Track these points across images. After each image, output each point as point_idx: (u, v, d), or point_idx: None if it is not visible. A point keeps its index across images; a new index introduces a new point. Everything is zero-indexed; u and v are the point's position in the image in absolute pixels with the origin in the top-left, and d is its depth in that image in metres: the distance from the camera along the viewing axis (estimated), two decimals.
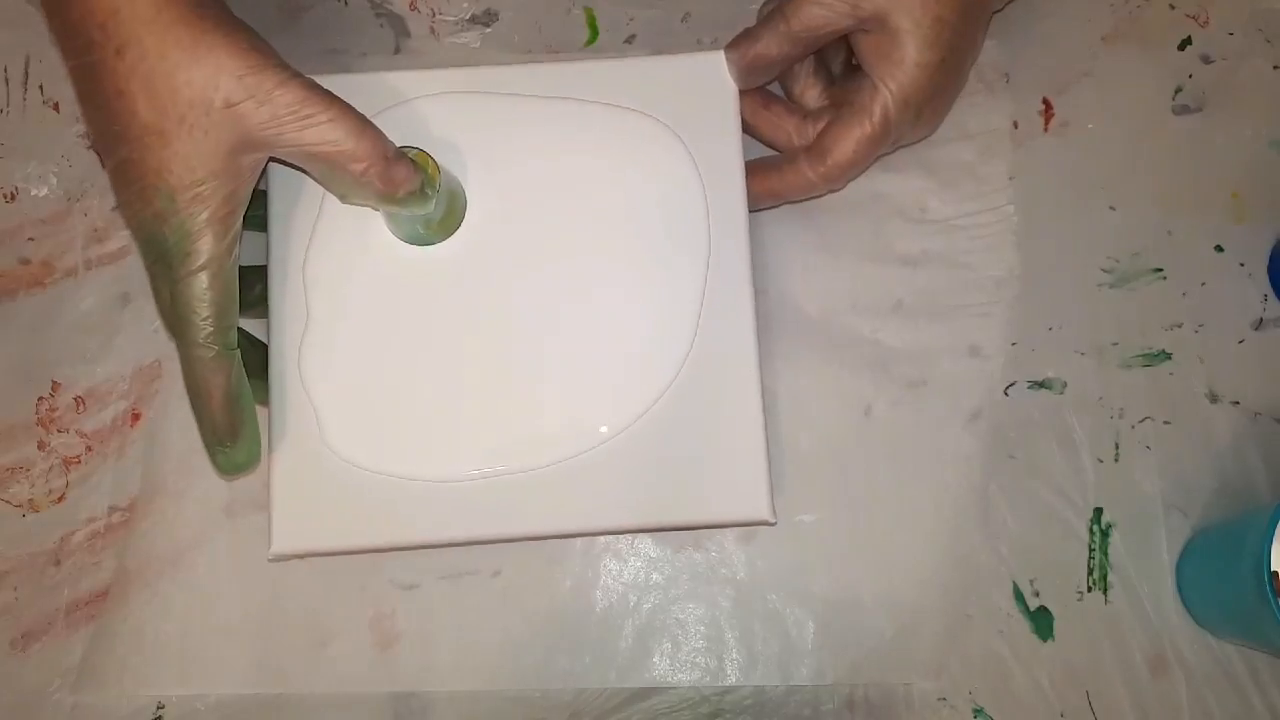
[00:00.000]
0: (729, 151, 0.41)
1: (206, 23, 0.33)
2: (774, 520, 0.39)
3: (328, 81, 0.37)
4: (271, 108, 0.33)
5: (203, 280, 0.34)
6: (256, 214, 0.41)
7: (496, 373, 0.40)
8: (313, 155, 0.35)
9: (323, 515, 0.39)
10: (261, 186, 0.41)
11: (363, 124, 0.35)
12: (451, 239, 0.41)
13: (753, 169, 0.42)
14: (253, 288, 0.41)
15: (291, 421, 0.40)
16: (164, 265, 0.35)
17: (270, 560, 0.39)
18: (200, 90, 0.33)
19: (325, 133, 0.34)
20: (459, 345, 0.40)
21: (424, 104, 0.41)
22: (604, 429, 0.39)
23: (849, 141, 0.40)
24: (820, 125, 0.41)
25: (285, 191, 0.41)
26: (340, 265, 0.41)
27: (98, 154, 0.45)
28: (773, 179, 0.42)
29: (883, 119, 0.39)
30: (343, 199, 0.39)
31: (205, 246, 0.34)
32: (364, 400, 0.40)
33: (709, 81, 0.41)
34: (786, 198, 0.42)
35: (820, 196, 0.43)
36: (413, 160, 0.37)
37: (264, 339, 0.41)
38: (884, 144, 0.40)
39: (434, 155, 0.38)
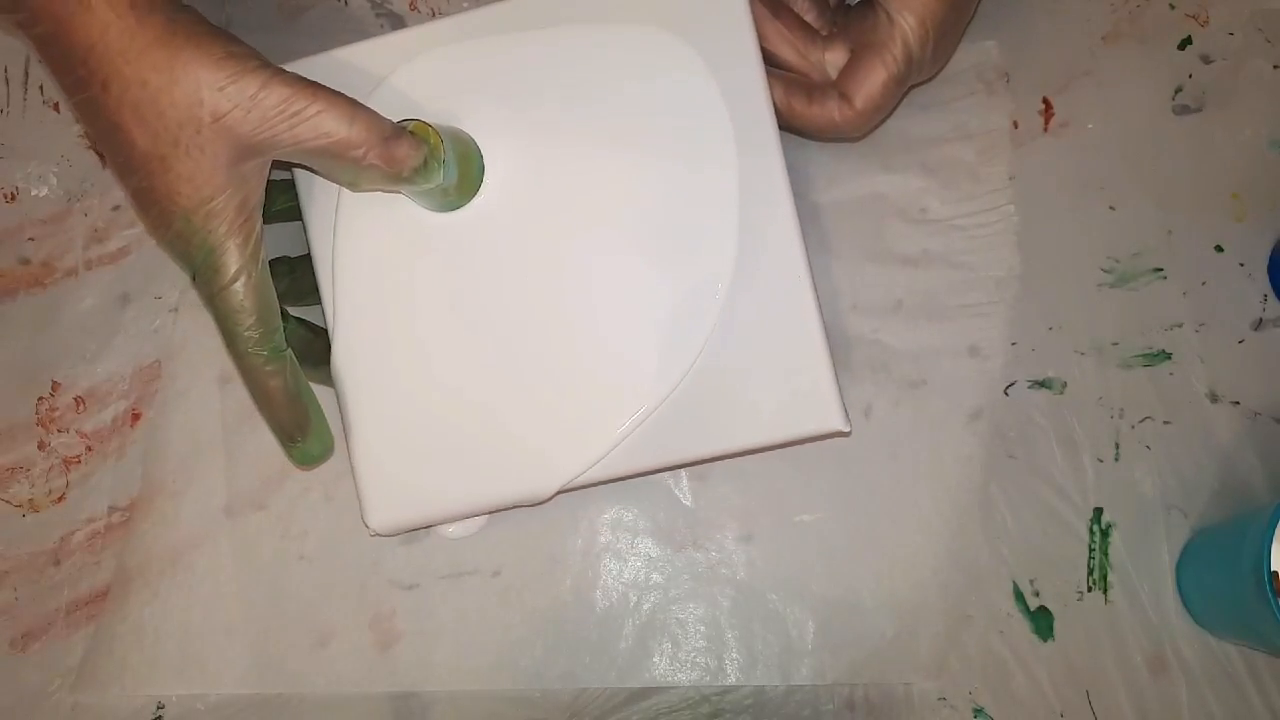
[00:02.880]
0: (746, 54, 0.39)
1: (178, 39, 0.33)
2: (848, 429, 0.39)
3: (313, 62, 0.36)
4: (259, 112, 0.33)
5: (237, 292, 0.35)
6: (290, 205, 0.41)
7: (550, 347, 0.39)
8: (310, 150, 0.34)
9: (408, 490, 0.40)
10: (288, 176, 0.41)
11: (355, 109, 0.35)
12: (477, 202, 0.40)
13: (775, 81, 0.40)
14: (306, 278, 0.41)
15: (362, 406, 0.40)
16: (201, 281, 0.35)
17: (372, 537, 0.40)
18: (186, 110, 0.33)
19: (317, 126, 0.34)
20: (507, 324, 0.39)
21: (419, 63, 0.40)
22: (666, 382, 0.38)
23: (875, 84, 0.39)
24: (827, 52, 0.41)
25: (307, 179, 0.41)
26: (368, 251, 0.40)
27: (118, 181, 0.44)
28: (796, 101, 0.40)
29: (905, 55, 0.39)
30: (353, 188, 0.39)
31: (232, 259, 0.35)
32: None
33: None
34: (801, 128, 0.41)
35: (832, 141, 0.43)
36: (413, 133, 0.36)
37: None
38: (908, 82, 0.40)
39: (436, 120, 0.37)
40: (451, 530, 0.42)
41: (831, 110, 0.40)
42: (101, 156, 0.46)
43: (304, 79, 0.34)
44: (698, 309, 0.39)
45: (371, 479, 0.40)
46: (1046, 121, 0.45)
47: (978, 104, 0.45)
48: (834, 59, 0.41)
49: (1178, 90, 0.46)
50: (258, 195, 0.35)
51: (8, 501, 0.44)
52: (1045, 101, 0.46)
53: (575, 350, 0.39)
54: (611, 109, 0.39)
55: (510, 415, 0.39)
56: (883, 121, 0.42)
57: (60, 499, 0.44)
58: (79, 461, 0.44)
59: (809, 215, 0.45)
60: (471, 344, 0.40)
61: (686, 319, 0.39)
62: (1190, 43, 0.46)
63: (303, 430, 0.38)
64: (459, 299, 0.40)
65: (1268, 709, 0.41)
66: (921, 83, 0.42)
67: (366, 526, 0.40)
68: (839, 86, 0.40)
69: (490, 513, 0.42)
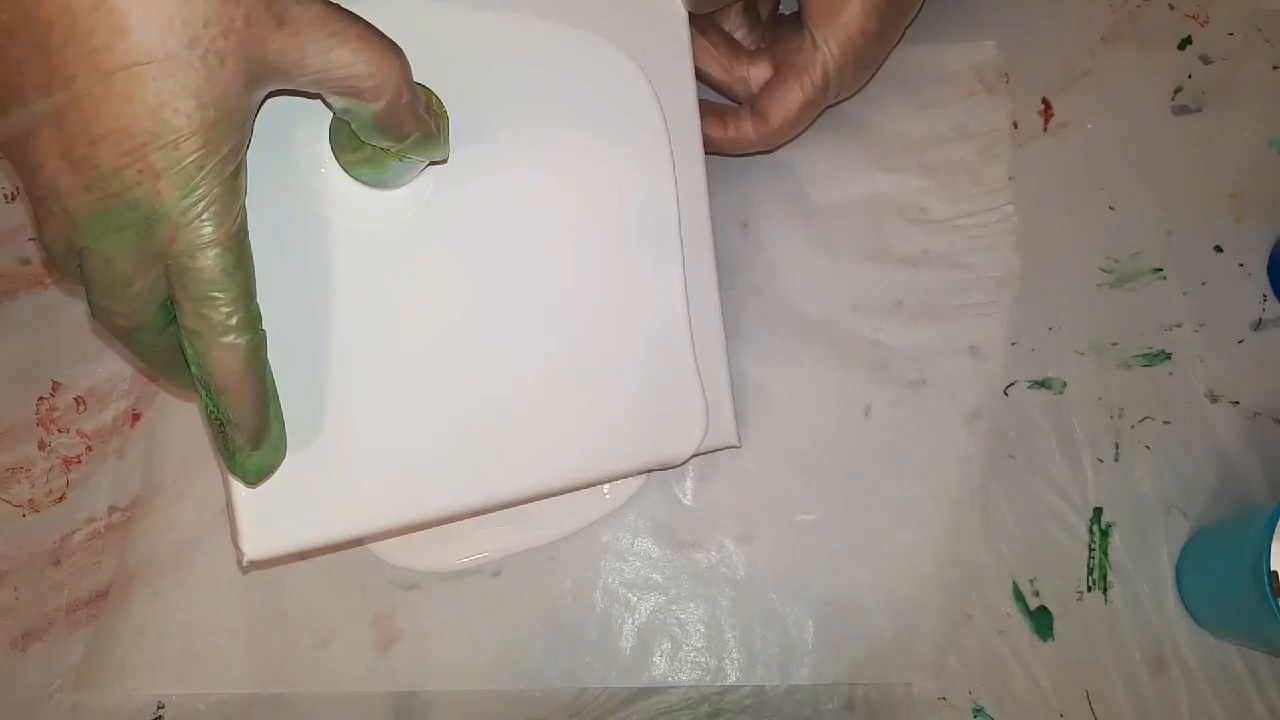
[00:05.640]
0: (682, 83, 0.39)
1: None
2: (739, 444, 0.41)
3: None
4: (295, 26, 0.27)
5: (222, 256, 0.28)
6: None
7: (496, 357, 0.37)
8: (338, 83, 0.28)
9: (291, 513, 0.35)
10: None
11: (393, 45, 0.29)
12: (418, 182, 0.35)
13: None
14: None
15: None
16: (145, 241, 0.27)
17: (244, 570, 0.38)
18: (220, 3, 0.26)
19: (353, 54, 0.28)
20: (434, 325, 0.36)
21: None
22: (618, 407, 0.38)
23: (792, 105, 0.40)
24: (752, 68, 0.41)
25: None
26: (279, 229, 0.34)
27: None
28: (713, 128, 0.41)
29: (823, 80, 0.40)
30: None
31: (221, 212, 0.27)
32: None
33: (658, 4, 0.39)
34: (722, 150, 0.42)
35: (742, 156, 0.44)
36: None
37: None
38: (824, 103, 0.41)
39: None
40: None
41: (746, 129, 0.41)
42: None
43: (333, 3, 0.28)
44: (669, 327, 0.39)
45: (252, 498, 0.34)
46: (1046, 121, 0.45)
47: (978, 104, 0.45)
48: (758, 74, 0.42)
49: (1178, 90, 0.46)
50: (250, 136, 0.29)
51: (8, 501, 0.44)
52: (1045, 101, 0.46)
53: (520, 362, 0.37)
54: (553, 118, 0.37)
55: (423, 430, 0.36)
56: (797, 136, 0.42)
57: (60, 499, 0.44)
58: (79, 461, 0.44)
59: (809, 215, 0.45)
60: (388, 343, 0.36)
61: (621, 351, 0.38)
62: (1190, 43, 0.46)
63: (268, 433, 0.31)
64: (396, 290, 0.36)
65: (1268, 709, 0.41)
66: (839, 101, 0.42)
67: (240, 551, 0.34)
68: (756, 103, 0.41)
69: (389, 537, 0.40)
